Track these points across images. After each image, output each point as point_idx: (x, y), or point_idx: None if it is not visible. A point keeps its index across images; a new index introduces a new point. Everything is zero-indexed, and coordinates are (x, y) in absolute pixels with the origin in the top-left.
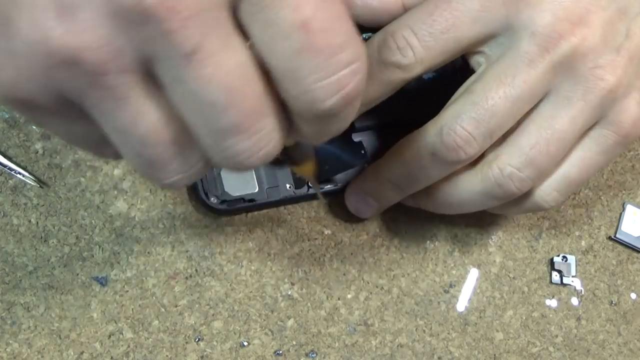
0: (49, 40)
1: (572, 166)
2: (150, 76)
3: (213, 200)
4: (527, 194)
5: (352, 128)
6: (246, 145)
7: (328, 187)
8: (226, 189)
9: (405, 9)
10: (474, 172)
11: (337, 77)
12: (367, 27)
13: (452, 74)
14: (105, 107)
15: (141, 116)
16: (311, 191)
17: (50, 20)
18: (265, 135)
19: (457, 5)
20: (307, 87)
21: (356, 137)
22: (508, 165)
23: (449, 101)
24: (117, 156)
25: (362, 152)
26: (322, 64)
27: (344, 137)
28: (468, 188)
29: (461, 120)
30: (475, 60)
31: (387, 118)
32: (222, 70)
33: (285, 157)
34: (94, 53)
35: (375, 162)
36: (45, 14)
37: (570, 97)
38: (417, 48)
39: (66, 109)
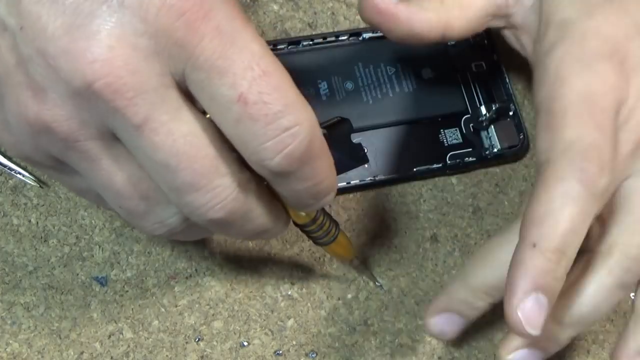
0: (28, 114)
1: None
2: (118, 141)
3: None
4: None
5: (351, 129)
6: (203, 201)
7: None
8: None
9: (444, 38)
10: (596, 271)
11: (276, 140)
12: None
13: (452, 74)
14: (83, 167)
15: (113, 174)
16: None
17: (28, 98)
18: (222, 192)
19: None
20: (253, 150)
21: (356, 138)
22: (630, 246)
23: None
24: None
25: (362, 153)
26: (261, 131)
27: (343, 138)
28: (598, 289)
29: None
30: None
31: (387, 118)
32: (171, 138)
33: (311, 238)
34: (62, 125)
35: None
36: (24, 93)
37: None
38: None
39: (61, 166)
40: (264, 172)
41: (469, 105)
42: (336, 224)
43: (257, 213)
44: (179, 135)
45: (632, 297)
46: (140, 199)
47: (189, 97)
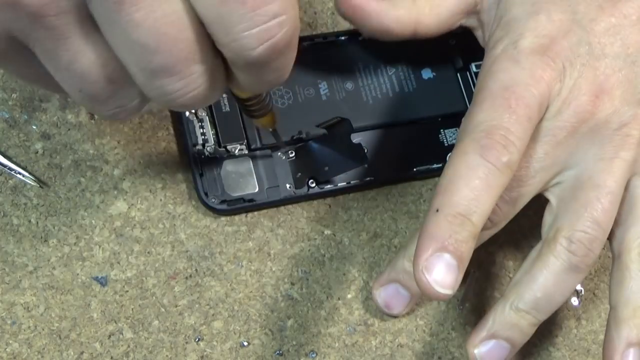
0: None
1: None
2: (89, 18)
3: (213, 200)
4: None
5: (351, 129)
6: (176, 87)
7: (328, 187)
8: (226, 189)
9: (414, 32)
10: (544, 256)
11: (263, 27)
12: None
13: (452, 74)
14: (47, 47)
15: (80, 55)
16: (311, 191)
17: None
18: (195, 80)
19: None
20: (235, 36)
21: (356, 138)
22: (573, 231)
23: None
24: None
25: (362, 153)
26: (247, 15)
27: (343, 138)
28: (548, 275)
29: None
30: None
31: (387, 118)
32: (152, 16)
33: (245, 110)
34: None
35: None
36: None
37: (602, 158)
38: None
39: (16, 49)
40: (238, 60)
41: (469, 105)
42: (271, 98)
43: (216, 93)
44: (161, 15)
45: None
46: (105, 81)
47: None
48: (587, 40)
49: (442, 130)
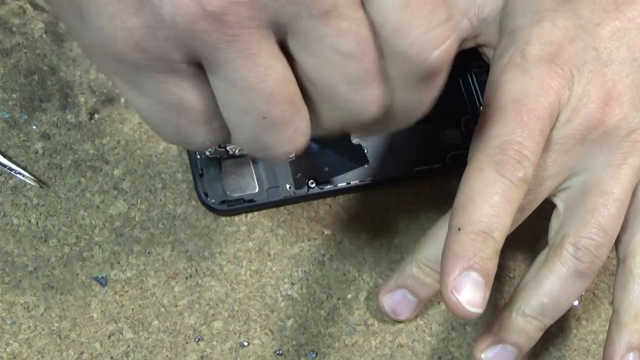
0: None
1: None
2: (275, 34)
3: (213, 200)
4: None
5: None
6: (375, 94)
7: (328, 187)
8: (226, 189)
9: None
10: (551, 263)
11: (440, 30)
12: None
13: (452, 74)
14: (236, 63)
15: (269, 72)
16: (311, 191)
17: None
18: (381, 85)
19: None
20: (415, 39)
21: (356, 138)
22: (579, 237)
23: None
24: (198, 138)
25: (362, 154)
26: (427, 17)
27: (344, 139)
28: (555, 281)
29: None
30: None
31: None
32: (356, 24)
33: None
34: (241, 7)
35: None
36: None
37: (611, 164)
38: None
39: (185, 67)
40: (413, 69)
41: (469, 105)
42: None
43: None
44: (362, 20)
45: None
46: (288, 103)
47: None
48: (594, 46)
49: (442, 130)
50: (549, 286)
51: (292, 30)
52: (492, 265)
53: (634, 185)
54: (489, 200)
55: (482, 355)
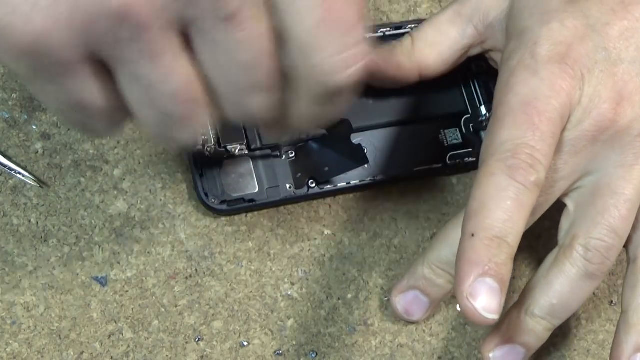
0: None
1: None
2: (182, 35)
3: (213, 200)
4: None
5: (350, 129)
6: (262, 102)
7: (328, 187)
8: (226, 189)
9: (423, 77)
10: (561, 264)
11: (350, 52)
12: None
13: (453, 74)
14: (139, 63)
15: (172, 72)
16: (311, 191)
17: None
18: (274, 95)
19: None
20: (322, 60)
21: (356, 138)
22: (589, 239)
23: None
24: (103, 130)
25: (362, 154)
26: (338, 40)
27: (344, 139)
28: (564, 282)
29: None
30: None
31: (387, 118)
32: (253, 34)
33: None
34: (143, 7)
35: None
36: None
37: (623, 165)
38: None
39: (84, 66)
40: (316, 87)
41: (469, 105)
42: None
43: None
44: (259, 33)
45: None
46: (191, 102)
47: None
48: (603, 46)
49: (442, 130)
50: (559, 287)
51: (194, 30)
52: (507, 271)
53: None
54: (502, 205)
55: (490, 355)
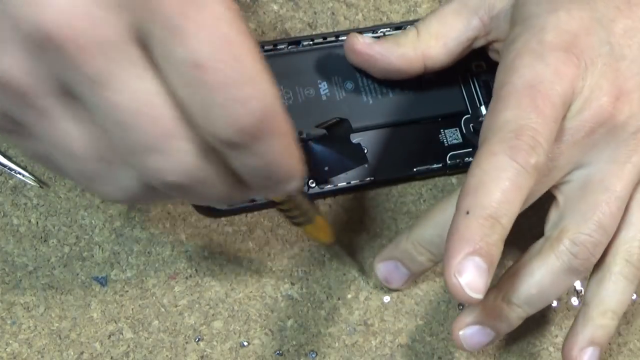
0: None
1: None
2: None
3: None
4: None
5: (350, 129)
6: (163, 164)
7: (328, 187)
8: None
9: (427, 69)
10: (546, 254)
11: (228, 111)
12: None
13: (452, 74)
14: (38, 127)
15: (70, 134)
16: (311, 191)
17: None
18: (184, 155)
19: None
20: (204, 119)
21: (356, 138)
22: (578, 233)
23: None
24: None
25: (362, 153)
26: (213, 100)
27: (344, 139)
28: (546, 273)
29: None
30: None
31: (387, 118)
32: (131, 96)
33: (286, 216)
34: (20, 79)
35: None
36: None
37: (615, 161)
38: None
39: (15, 126)
40: (216, 143)
41: (469, 105)
42: (314, 206)
43: (220, 180)
44: (140, 94)
45: (633, 298)
46: (98, 160)
47: (150, 56)
48: (608, 40)
49: (442, 130)
50: (540, 278)
51: (76, 94)
52: (497, 252)
53: (635, 184)
54: (500, 185)
55: (460, 333)
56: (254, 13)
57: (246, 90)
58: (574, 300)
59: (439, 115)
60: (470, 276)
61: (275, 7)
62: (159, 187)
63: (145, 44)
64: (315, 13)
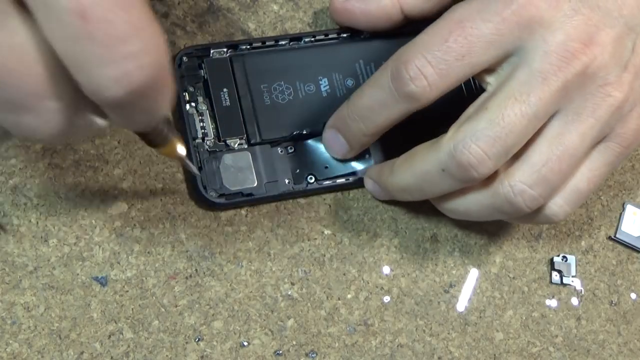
0: None
1: (582, 180)
2: None
3: (211, 194)
4: (538, 209)
5: None
6: (30, 123)
7: (327, 182)
8: (225, 183)
9: (404, 15)
10: (484, 187)
11: (117, 66)
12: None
13: None
14: None
15: None
16: (310, 187)
17: None
18: (52, 116)
19: (471, 30)
20: (88, 75)
21: None
22: (519, 182)
23: (461, 117)
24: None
25: (367, 155)
26: (100, 54)
27: None
28: (476, 201)
29: (476, 139)
30: (485, 80)
31: None
32: None
33: (144, 140)
34: None
35: (384, 163)
36: None
37: (580, 114)
38: (432, 77)
39: None
40: (97, 98)
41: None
42: (170, 127)
43: (83, 129)
44: (4, 47)
45: (633, 298)
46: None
47: (24, 6)
48: None
49: (443, 129)
50: (371, 99)
51: None
52: (356, 138)
53: (594, 142)
54: (371, 93)
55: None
56: (254, 13)
57: (136, 43)
58: (574, 300)
59: (441, 115)
60: (330, 141)
61: (275, 7)
62: (28, 140)
63: None
64: (315, 13)
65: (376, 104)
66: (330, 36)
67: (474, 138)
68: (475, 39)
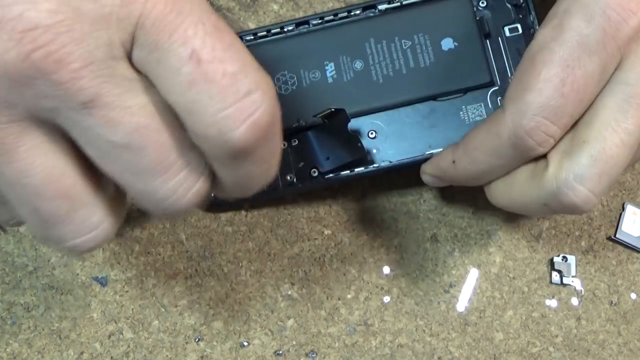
0: None
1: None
2: (44, 125)
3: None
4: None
5: (347, 119)
6: (175, 184)
7: (330, 176)
8: None
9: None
10: (536, 177)
11: (239, 105)
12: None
13: (478, 43)
14: None
15: (31, 166)
16: (314, 181)
17: None
18: (192, 172)
19: (579, 71)
20: (210, 120)
21: (375, 119)
22: (572, 173)
23: (512, 87)
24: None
25: (358, 145)
26: (219, 95)
27: (339, 130)
28: (527, 193)
29: (581, 179)
30: None
31: (399, 98)
32: (128, 112)
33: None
34: None
35: (438, 158)
36: None
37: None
38: (557, 133)
39: None
40: (220, 150)
41: (497, 76)
42: None
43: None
44: (137, 108)
45: (633, 298)
46: (62, 198)
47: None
48: None
49: (463, 106)
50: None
51: (60, 122)
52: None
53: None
54: (480, 167)
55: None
56: (254, 13)
57: (250, 80)
58: (574, 300)
59: (460, 90)
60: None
61: (275, 7)
62: (159, 212)
63: (134, 59)
64: (315, 13)
65: (495, 169)
66: (340, 15)
67: (578, 179)
68: (590, 80)
